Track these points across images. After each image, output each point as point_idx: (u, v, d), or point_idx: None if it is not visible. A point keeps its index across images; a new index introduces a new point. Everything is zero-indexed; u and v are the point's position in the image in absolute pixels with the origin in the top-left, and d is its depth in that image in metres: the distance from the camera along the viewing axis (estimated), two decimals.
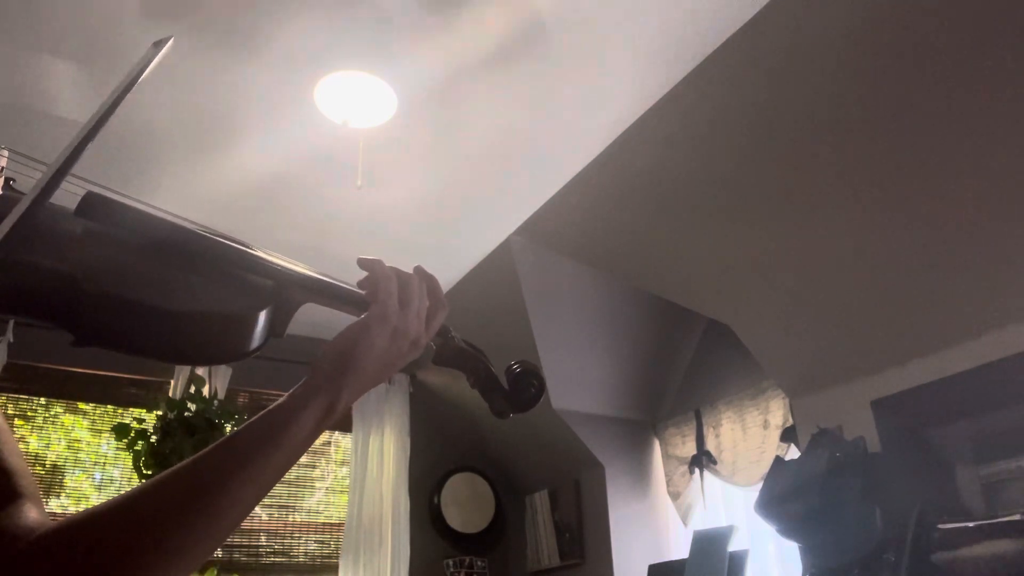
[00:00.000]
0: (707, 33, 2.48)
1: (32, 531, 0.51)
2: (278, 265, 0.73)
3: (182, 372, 4.09)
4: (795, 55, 2.46)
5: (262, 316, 0.69)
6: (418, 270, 0.76)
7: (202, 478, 0.56)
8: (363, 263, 0.74)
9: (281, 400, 0.63)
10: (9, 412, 3.86)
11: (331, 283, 0.77)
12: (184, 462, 0.57)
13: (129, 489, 0.56)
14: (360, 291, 0.76)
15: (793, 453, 3.32)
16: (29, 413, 3.94)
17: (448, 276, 4.10)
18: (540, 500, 4.59)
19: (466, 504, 4.75)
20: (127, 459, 3.72)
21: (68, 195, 0.62)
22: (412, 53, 2.53)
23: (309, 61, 2.54)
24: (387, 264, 0.74)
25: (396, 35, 2.45)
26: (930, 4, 2.15)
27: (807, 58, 2.44)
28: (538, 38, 2.49)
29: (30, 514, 0.52)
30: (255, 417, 0.62)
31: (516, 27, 2.44)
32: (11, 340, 3.56)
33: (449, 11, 2.37)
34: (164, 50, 0.68)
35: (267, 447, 0.59)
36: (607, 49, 2.55)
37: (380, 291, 0.71)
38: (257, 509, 3.65)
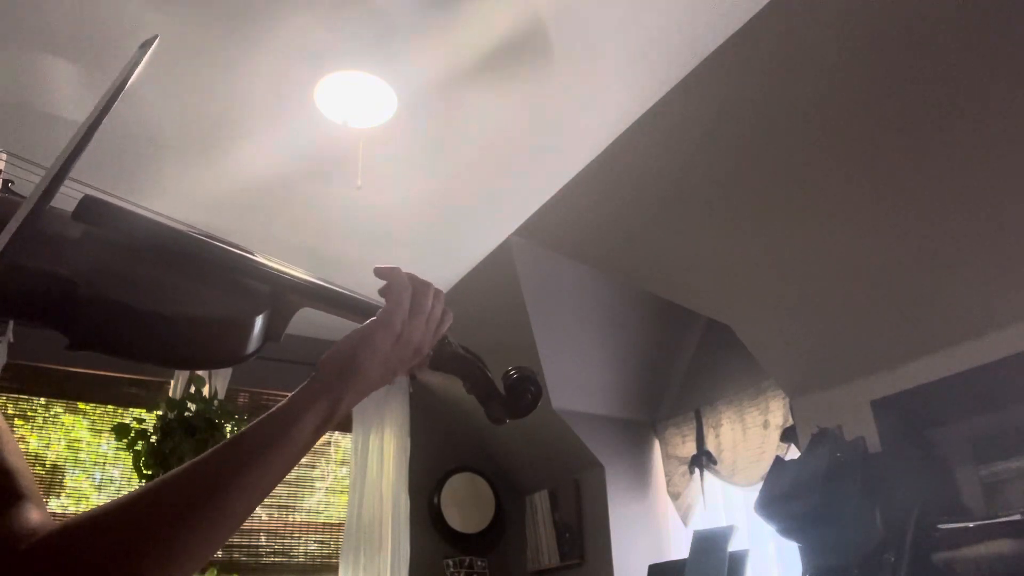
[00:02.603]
0: (706, 34, 2.48)
1: (35, 532, 0.51)
2: (275, 270, 0.73)
3: (182, 372, 4.08)
4: (794, 56, 2.46)
5: (258, 321, 0.69)
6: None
7: (205, 480, 0.56)
8: (380, 272, 0.75)
9: (283, 403, 0.64)
10: (9, 412, 3.85)
11: (328, 287, 0.77)
12: (187, 464, 0.57)
13: (131, 491, 0.56)
14: (356, 296, 0.77)
15: (793, 453, 3.32)
16: (29, 413, 3.94)
17: (448, 276, 4.10)
18: (540, 500, 4.59)
19: (466, 504, 4.75)
20: (127, 459, 3.72)
21: (66, 198, 0.62)
22: (412, 53, 2.53)
23: (309, 61, 2.54)
24: (403, 271, 0.75)
25: (396, 35, 2.45)
26: (928, 5, 2.15)
27: (806, 59, 2.44)
28: (538, 38, 2.49)
29: (32, 515, 0.52)
30: (257, 420, 0.62)
31: (516, 27, 2.44)
32: (11, 340, 3.55)
33: (449, 11, 2.37)
34: (151, 50, 0.68)
35: (269, 450, 0.60)
36: (607, 49, 2.55)
37: (390, 299, 0.72)
38: (257, 509, 3.66)
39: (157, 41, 0.69)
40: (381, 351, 0.69)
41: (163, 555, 0.52)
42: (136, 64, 0.66)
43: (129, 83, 0.64)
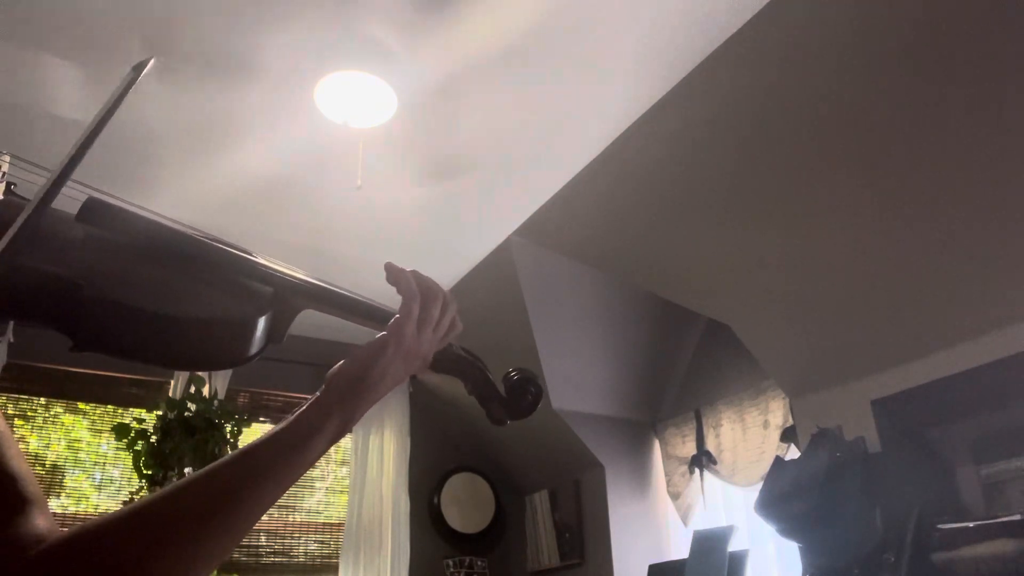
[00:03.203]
0: (706, 33, 2.48)
1: (42, 538, 0.51)
2: (277, 271, 0.73)
3: (182, 372, 4.08)
4: (794, 55, 2.46)
5: (261, 322, 0.69)
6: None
7: (215, 494, 0.56)
8: (391, 274, 0.73)
9: (294, 418, 0.64)
10: (9, 412, 3.85)
11: (330, 290, 0.77)
12: (197, 474, 0.57)
13: (140, 500, 0.56)
14: (358, 298, 0.76)
15: (793, 453, 3.32)
16: (29, 413, 3.94)
17: (448, 276, 4.10)
18: (540, 500, 4.60)
19: (466, 504, 4.75)
20: (127, 459, 3.72)
21: (69, 200, 0.62)
22: (412, 53, 2.53)
23: (309, 61, 2.54)
24: (411, 274, 0.73)
25: (396, 35, 2.45)
26: (929, 5, 2.15)
27: (806, 58, 2.44)
28: (538, 38, 2.49)
29: (38, 522, 0.52)
30: (269, 434, 0.62)
31: (516, 27, 2.44)
32: (11, 340, 3.55)
33: (449, 12, 2.37)
34: (144, 72, 0.68)
35: (280, 465, 0.60)
36: (607, 49, 2.55)
37: (403, 311, 0.71)
38: None
39: (152, 63, 0.69)
40: (392, 364, 0.69)
41: (170, 565, 0.52)
42: (129, 85, 0.66)
43: (122, 104, 0.64)
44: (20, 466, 0.55)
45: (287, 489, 0.62)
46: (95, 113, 0.63)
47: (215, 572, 3.65)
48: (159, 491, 0.55)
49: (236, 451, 0.60)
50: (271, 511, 4.30)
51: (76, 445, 4.03)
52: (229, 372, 4.19)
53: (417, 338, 0.71)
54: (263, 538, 4.30)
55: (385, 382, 0.69)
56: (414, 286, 0.72)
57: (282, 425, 0.63)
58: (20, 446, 0.56)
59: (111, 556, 0.50)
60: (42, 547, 0.50)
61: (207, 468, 0.57)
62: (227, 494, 0.56)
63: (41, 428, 3.96)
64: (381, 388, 0.69)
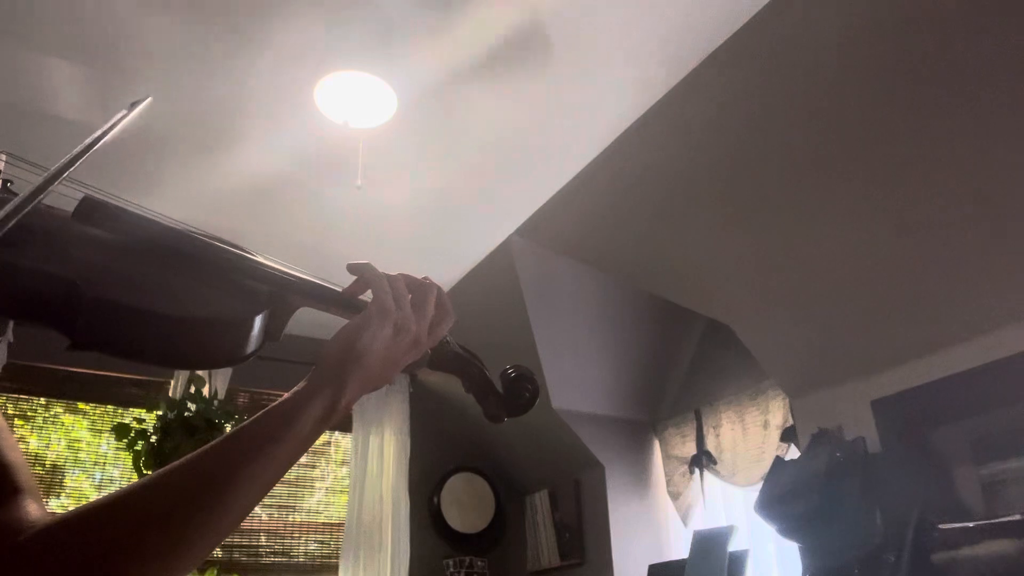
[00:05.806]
0: (706, 34, 2.48)
1: (32, 525, 0.51)
2: (274, 270, 0.73)
3: (182, 372, 4.08)
4: (794, 56, 2.46)
5: (257, 321, 0.69)
6: (429, 281, 0.77)
7: (204, 474, 0.56)
8: (353, 267, 0.74)
9: (285, 396, 0.63)
10: (9, 412, 3.85)
11: (327, 287, 0.77)
12: (186, 457, 0.56)
13: (131, 483, 0.56)
14: (356, 297, 0.76)
15: (793, 453, 3.32)
16: (29, 413, 3.94)
17: (448, 276, 4.10)
18: (540, 500, 4.59)
19: (466, 504, 4.75)
20: (127, 459, 3.72)
21: (66, 199, 0.62)
22: (412, 53, 2.53)
23: (309, 61, 2.54)
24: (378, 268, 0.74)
25: (396, 35, 2.45)
26: (927, 7, 2.15)
27: (806, 59, 2.44)
28: (538, 38, 2.49)
29: (29, 509, 0.53)
30: (259, 413, 0.61)
31: (516, 27, 2.44)
32: (11, 340, 3.55)
33: (449, 12, 2.37)
34: (139, 110, 0.69)
35: (270, 443, 0.59)
36: (607, 49, 2.55)
37: (375, 288, 0.71)
38: (257, 509, 3.64)
39: (148, 101, 0.69)
40: (380, 339, 0.68)
41: (161, 548, 0.52)
42: (122, 119, 0.66)
43: (110, 136, 0.64)
44: (14, 456, 0.55)
45: (281, 470, 0.60)
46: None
47: (216, 571, 3.65)
48: (150, 475, 0.55)
49: (224, 434, 0.60)
50: (271, 511, 4.30)
51: (76, 445, 4.04)
52: (229, 371, 4.19)
53: (400, 310, 0.70)
54: (263, 538, 4.30)
55: (375, 355, 0.68)
56: (376, 269, 0.73)
57: (271, 405, 0.62)
58: (20, 446, 0.57)
59: (100, 540, 0.50)
60: (31, 532, 0.50)
61: (198, 450, 0.57)
62: (215, 474, 0.55)
63: (41, 428, 3.96)
64: (373, 363, 0.67)
